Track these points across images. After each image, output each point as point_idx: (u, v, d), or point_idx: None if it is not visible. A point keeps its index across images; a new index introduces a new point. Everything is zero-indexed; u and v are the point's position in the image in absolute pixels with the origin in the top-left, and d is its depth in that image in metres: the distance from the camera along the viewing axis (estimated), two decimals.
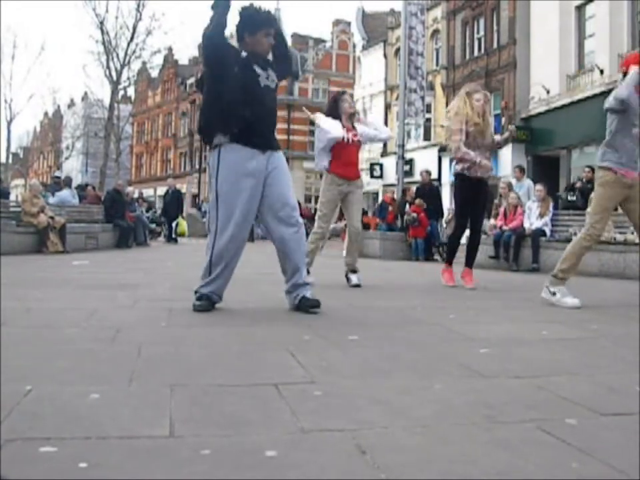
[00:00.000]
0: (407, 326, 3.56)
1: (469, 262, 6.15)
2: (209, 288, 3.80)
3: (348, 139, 5.67)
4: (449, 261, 6.25)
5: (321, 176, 6.02)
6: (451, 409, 1.90)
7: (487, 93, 6.15)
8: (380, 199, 30.07)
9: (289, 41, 28.64)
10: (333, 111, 5.80)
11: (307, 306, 3.82)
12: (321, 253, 10.78)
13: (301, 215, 4.27)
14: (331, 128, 5.65)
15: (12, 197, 18.73)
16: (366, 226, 14.46)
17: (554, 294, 4.51)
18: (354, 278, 5.79)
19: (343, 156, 5.69)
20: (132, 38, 34.17)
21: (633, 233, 8.92)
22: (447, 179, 22.81)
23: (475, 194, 5.95)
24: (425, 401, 1.97)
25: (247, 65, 3.77)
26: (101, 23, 33.86)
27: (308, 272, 5.73)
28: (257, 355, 2.64)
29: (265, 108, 3.81)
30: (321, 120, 5.75)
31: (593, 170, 12.05)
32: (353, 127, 5.79)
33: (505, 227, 9.80)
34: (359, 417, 1.79)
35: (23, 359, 2.40)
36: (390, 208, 13.50)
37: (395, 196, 14.56)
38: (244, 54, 3.82)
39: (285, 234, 3.84)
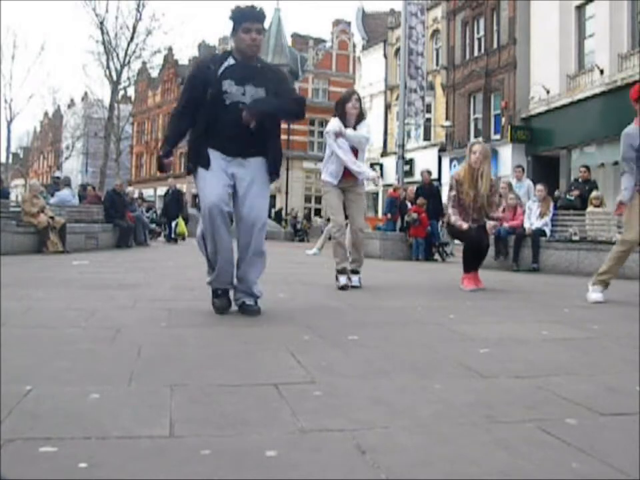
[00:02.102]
0: (407, 326, 3.56)
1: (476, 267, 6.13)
2: (214, 279, 3.78)
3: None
4: (466, 269, 6.07)
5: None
6: (451, 409, 1.90)
7: (486, 147, 6.14)
8: (380, 198, 30.03)
9: (289, 41, 28.26)
10: (340, 111, 5.72)
11: (245, 312, 3.71)
12: (319, 253, 10.79)
13: None
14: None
15: (12, 197, 18.69)
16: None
17: None
18: (354, 279, 5.72)
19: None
20: (132, 38, 34.18)
21: None
22: (447, 179, 22.81)
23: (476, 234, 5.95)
24: (425, 401, 1.97)
25: (218, 87, 3.62)
26: (101, 23, 33.85)
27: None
28: (257, 354, 2.64)
29: (232, 125, 3.60)
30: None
31: (588, 169, 11.91)
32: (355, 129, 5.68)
33: (505, 225, 9.73)
34: (359, 417, 1.79)
35: (23, 359, 2.40)
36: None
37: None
38: (224, 66, 3.68)
39: (246, 251, 3.75)
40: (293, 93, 3.85)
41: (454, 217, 5.88)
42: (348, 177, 5.67)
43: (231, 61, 3.70)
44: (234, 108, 3.60)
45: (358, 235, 5.85)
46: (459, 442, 1.62)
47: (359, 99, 5.79)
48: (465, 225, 5.80)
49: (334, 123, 5.66)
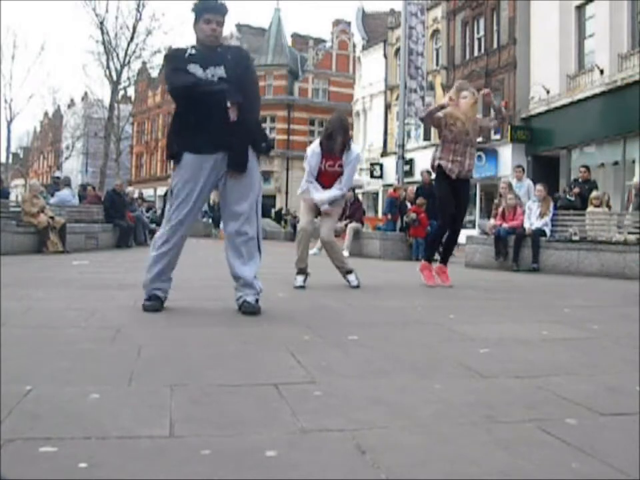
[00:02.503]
0: (407, 326, 3.56)
1: (445, 259, 6.18)
2: (154, 284, 3.80)
3: (324, 167, 5.68)
4: (429, 259, 6.18)
5: None
6: (451, 409, 1.90)
7: (475, 92, 6.06)
8: (380, 198, 29.87)
9: (289, 41, 27.83)
10: (328, 139, 5.72)
11: (245, 311, 3.70)
12: (320, 253, 10.76)
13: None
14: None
15: (12, 197, 18.59)
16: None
17: None
18: (351, 278, 5.70)
19: (319, 178, 5.73)
20: (132, 38, 33.98)
21: (632, 233, 8.83)
22: None
23: (456, 192, 5.95)
24: (425, 401, 1.97)
25: (185, 69, 3.69)
26: (101, 23, 33.64)
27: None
28: (257, 354, 2.64)
29: (204, 109, 3.64)
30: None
31: (588, 169, 11.84)
32: (341, 156, 5.69)
33: (504, 225, 9.73)
34: (358, 417, 1.79)
35: (23, 359, 2.40)
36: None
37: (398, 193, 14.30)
38: (188, 52, 3.75)
39: (231, 239, 3.80)
40: (248, 75, 3.84)
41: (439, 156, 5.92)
42: (326, 186, 5.72)
43: (193, 50, 3.77)
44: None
45: (324, 245, 5.88)
46: (459, 442, 1.62)
47: (348, 129, 5.82)
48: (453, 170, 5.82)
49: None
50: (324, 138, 5.74)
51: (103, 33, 33.63)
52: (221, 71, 3.69)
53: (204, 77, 3.68)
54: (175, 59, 3.82)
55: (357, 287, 5.59)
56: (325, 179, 5.72)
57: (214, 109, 3.63)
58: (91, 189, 17.43)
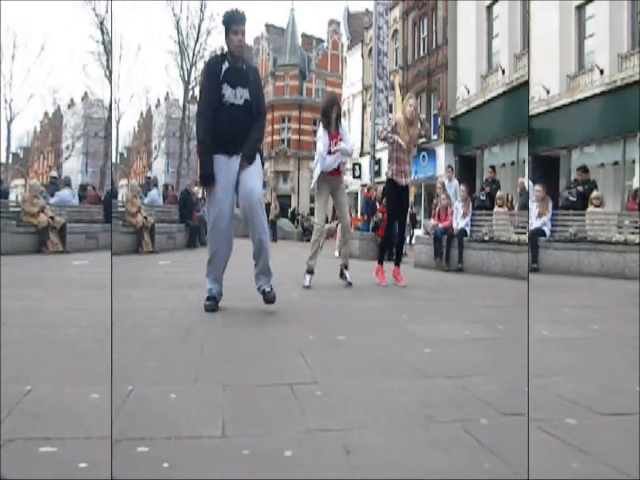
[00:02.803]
0: (378, 326, 3.30)
1: (398, 262, 5.46)
2: (210, 285, 3.43)
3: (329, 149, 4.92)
4: (380, 261, 5.44)
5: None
6: (406, 410, 1.76)
7: (413, 107, 5.19)
8: (359, 198, 24.17)
9: (299, 41, 21.61)
10: (326, 120, 4.97)
11: (266, 300, 3.36)
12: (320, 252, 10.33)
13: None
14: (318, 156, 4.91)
15: (12, 197, 14.75)
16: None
17: None
18: (347, 275, 5.01)
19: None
20: (197, 38, 27.20)
21: (632, 233, 7.39)
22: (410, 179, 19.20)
23: (400, 199, 5.32)
24: (391, 402, 1.83)
25: (219, 91, 3.18)
26: (177, 22, 27.09)
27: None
28: (276, 355, 2.45)
29: (228, 123, 3.19)
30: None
31: (494, 169, 10.16)
32: (338, 130, 4.93)
33: (440, 225, 8.07)
34: (346, 418, 1.66)
35: (127, 359, 2.23)
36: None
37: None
38: (224, 69, 3.21)
39: (254, 229, 3.30)
40: (262, 97, 3.40)
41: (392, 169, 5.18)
42: (334, 173, 4.99)
43: (226, 64, 3.24)
44: (230, 108, 3.20)
45: (346, 234, 5.26)
46: (411, 442, 1.51)
47: (340, 104, 5.15)
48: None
49: (323, 142, 4.88)
50: (323, 118, 4.96)
51: (178, 32, 26.87)
52: (246, 94, 3.22)
53: (232, 97, 3.19)
54: (211, 75, 3.22)
55: (350, 284, 4.97)
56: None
57: (232, 128, 3.24)
58: (171, 188, 15.13)
